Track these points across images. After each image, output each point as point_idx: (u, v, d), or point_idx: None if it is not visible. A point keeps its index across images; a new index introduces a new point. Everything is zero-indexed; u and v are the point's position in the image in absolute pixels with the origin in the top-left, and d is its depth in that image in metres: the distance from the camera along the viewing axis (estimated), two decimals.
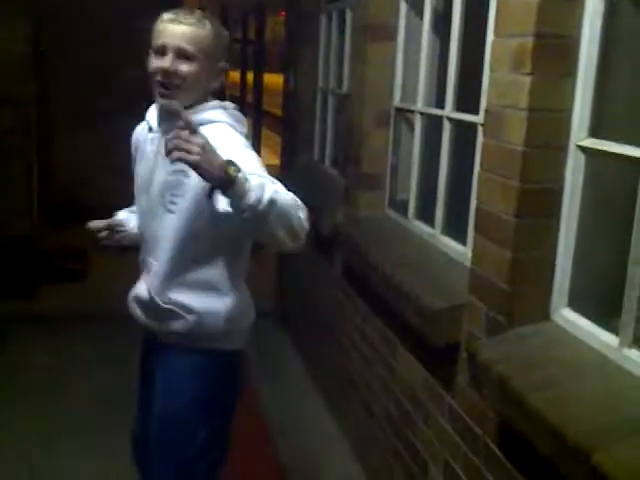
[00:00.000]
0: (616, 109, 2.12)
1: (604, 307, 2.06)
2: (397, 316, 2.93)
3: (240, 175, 1.73)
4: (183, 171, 2.00)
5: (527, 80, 2.07)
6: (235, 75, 7.75)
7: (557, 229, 2.18)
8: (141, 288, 2.23)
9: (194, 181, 1.97)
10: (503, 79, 2.21)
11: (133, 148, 2.34)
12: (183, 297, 2.13)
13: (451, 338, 2.52)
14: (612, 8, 2.03)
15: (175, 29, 2.03)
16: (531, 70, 2.06)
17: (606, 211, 2.14)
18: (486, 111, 2.35)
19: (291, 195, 1.85)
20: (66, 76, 6.48)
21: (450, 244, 2.99)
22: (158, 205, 2.13)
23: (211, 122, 2.06)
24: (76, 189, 6.61)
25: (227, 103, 2.19)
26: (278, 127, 7.68)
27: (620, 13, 2.06)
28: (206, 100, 2.14)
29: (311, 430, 3.88)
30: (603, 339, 1.99)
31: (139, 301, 2.25)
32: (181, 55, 2.02)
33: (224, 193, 1.75)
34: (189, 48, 2.02)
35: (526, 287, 2.19)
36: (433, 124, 3.26)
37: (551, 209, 2.16)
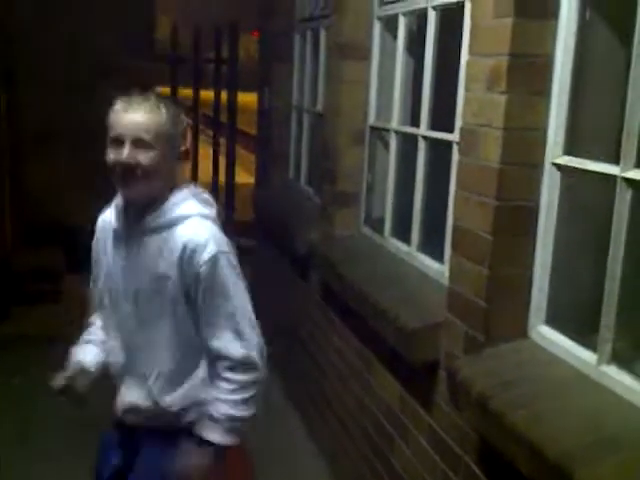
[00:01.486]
0: (591, 127, 2.14)
1: (581, 324, 2.07)
2: (374, 335, 2.92)
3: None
4: (165, 275, 2.01)
5: (502, 99, 2.08)
6: (209, 94, 7.72)
7: (533, 246, 2.19)
8: (135, 395, 2.14)
9: (174, 284, 2.01)
10: (478, 98, 2.22)
11: (99, 244, 2.20)
12: (187, 395, 2.10)
13: (429, 356, 2.51)
14: (585, 27, 2.06)
15: (130, 118, 1.96)
16: (506, 89, 2.07)
17: (582, 228, 2.15)
18: (461, 130, 2.36)
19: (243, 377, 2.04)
20: (37, 92, 6.40)
21: (426, 262, 2.99)
22: (147, 312, 2.07)
23: (185, 218, 2.03)
24: (50, 209, 6.51)
25: (195, 190, 2.13)
26: (252, 146, 7.66)
27: (593, 32, 2.08)
28: (174, 185, 2.07)
29: (288, 449, 3.84)
30: (581, 356, 1.99)
31: (138, 410, 2.16)
32: (139, 145, 1.95)
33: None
34: (146, 137, 1.95)
35: (503, 304, 2.20)
36: (408, 142, 3.27)
37: (527, 226, 2.17)
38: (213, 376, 2.08)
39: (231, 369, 2.04)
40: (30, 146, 6.56)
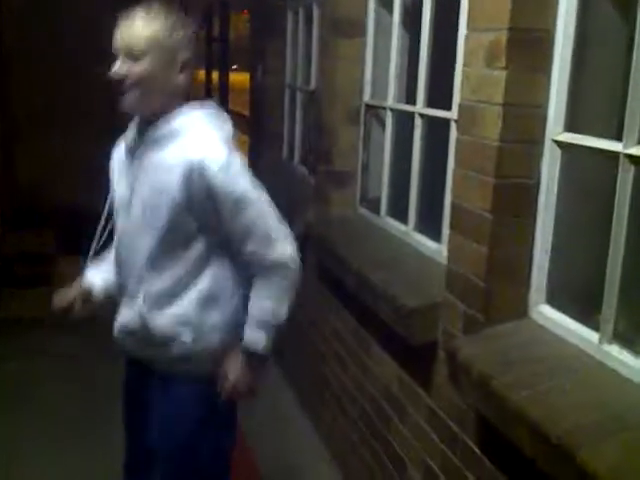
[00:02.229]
0: (592, 103, 2.10)
1: (583, 303, 2.05)
2: (372, 315, 2.89)
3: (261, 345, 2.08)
4: (164, 189, 1.97)
5: (502, 75, 2.04)
6: (200, 74, 7.66)
7: (534, 224, 2.16)
8: (127, 316, 2.13)
9: (168, 199, 1.96)
10: (477, 74, 2.18)
11: (111, 170, 2.22)
12: (178, 316, 2.05)
13: (427, 337, 2.49)
14: (586, 2, 2.02)
15: (125, 30, 1.95)
16: (506, 64, 2.03)
17: (583, 206, 2.13)
18: (460, 106, 2.32)
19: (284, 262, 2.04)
20: (29, 75, 6.33)
21: (423, 241, 2.96)
22: (138, 227, 2.04)
23: (188, 130, 1.98)
24: (41, 191, 6.45)
25: (208, 104, 2.09)
26: (244, 126, 7.57)
27: (594, 7, 2.04)
28: (181, 99, 2.03)
29: (287, 432, 3.83)
30: (583, 335, 1.97)
31: (128, 331, 2.14)
32: (129, 56, 1.94)
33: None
34: (137, 46, 1.93)
35: (503, 284, 2.17)
36: (404, 120, 3.23)
37: (527, 204, 2.14)
38: (247, 283, 2.09)
39: (265, 274, 2.05)
40: (21, 128, 6.49)
